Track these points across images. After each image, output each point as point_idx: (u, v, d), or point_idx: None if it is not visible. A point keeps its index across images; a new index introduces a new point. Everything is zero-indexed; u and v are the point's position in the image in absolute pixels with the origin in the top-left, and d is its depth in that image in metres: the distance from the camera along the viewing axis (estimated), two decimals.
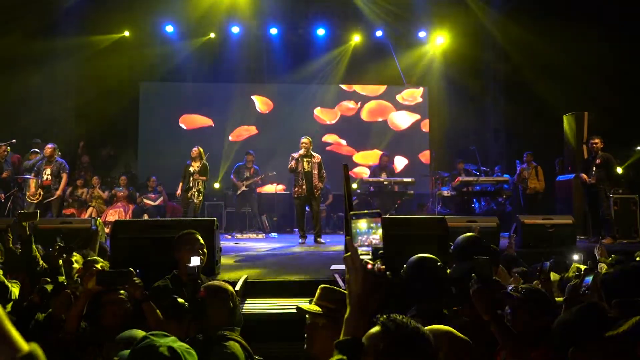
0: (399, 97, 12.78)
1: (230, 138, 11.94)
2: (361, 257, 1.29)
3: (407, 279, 2.54)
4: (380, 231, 1.31)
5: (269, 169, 10.19)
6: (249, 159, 9.78)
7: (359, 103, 12.69)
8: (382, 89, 12.79)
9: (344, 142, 12.45)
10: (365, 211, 1.34)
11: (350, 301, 1.27)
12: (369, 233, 1.32)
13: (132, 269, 2.56)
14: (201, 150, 8.59)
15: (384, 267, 1.30)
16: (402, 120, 12.75)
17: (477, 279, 2.21)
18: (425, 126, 12.66)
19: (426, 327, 1.93)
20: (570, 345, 1.52)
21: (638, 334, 1.45)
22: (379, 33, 12.21)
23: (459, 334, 1.90)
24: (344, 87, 12.70)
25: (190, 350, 1.61)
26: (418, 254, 2.60)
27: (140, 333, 2.04)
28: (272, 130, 11.97)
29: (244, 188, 9.57)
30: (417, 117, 12.75)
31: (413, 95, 12.83)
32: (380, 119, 12.71)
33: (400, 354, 1.28)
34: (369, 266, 1.28)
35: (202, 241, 3.44)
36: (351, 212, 1.34)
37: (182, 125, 12.07)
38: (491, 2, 11.35)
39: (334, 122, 12.56)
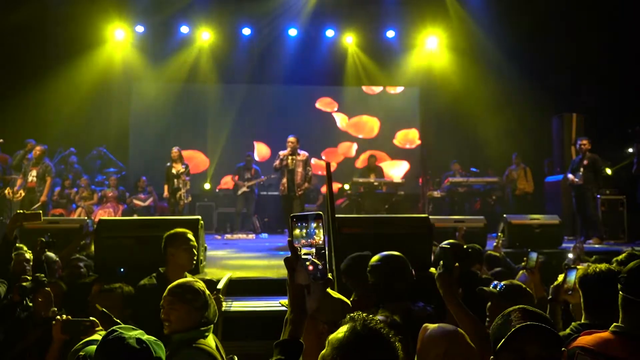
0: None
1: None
2: (303, 257, 1.29)
3: (377, 277, 2.58)
4: (322, 232, 1.31)
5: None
6: (249, 160, 9.84)
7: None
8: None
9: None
10: (307, 212, 1.35)
11: (291, 302, 1.28)
12: (311, 234, 1.32)
13: (95, 320, 2.44)
14: (181, 152, 8.63)
15: (324, 267, 1.30)
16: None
17: (441, 266, 2.25)
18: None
19: (435, 325, 1.95)
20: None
21: (518, 341, 1.45)
22: (371, 34, 12.27)
23: (467, 338, 1.91)
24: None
25: (158, 342, 1.63)
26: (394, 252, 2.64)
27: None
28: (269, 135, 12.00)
29: (245, 189, 9.59)
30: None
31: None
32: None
33: (366, 354, 1.29)
34: (310, 268, 1.29)
35: (194, 241, 3.44)
36: (292, 215, 1.34)
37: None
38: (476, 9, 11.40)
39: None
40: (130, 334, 1.59)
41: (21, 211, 3.41)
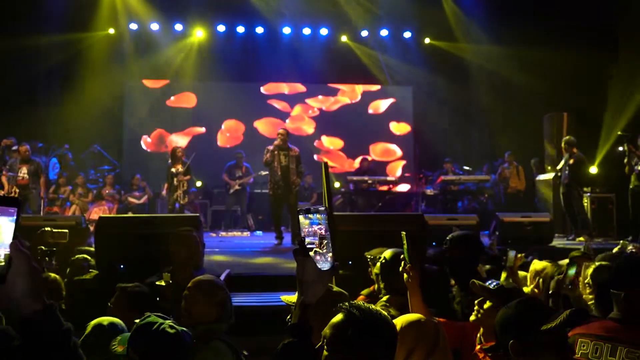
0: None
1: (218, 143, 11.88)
2: (308, 246, 1.39)
3: (382, 271, 2.68)
4: (325, 222, 1.41)
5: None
6: (239, 157, 9.80)
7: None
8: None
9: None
10: (311, 206, 1.45)
11: (300, 288, 1.37)
12: (315, 225, 1.41)
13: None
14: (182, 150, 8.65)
15: (331, 257, 1.39)
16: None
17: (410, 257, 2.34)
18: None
19: (400, 317, 2.05)
20: (510, 338, 1.61)
21: (567, 326, 1.59)
22: (364, 33, 12.32)
23: (427, 319, 2.01)
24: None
25: (186, 330, 1.73)
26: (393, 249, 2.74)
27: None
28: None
29: (237, 187, 9.58)
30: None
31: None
32: None
33: (365, 339, 1.38)
34: (317, 257, 1.37)
35: (192, 238, 3.53)
36: (298, 209, 1.45)
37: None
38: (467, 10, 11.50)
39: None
40: (163, 321, 1.70)
41: (48, 229, 3.44)
